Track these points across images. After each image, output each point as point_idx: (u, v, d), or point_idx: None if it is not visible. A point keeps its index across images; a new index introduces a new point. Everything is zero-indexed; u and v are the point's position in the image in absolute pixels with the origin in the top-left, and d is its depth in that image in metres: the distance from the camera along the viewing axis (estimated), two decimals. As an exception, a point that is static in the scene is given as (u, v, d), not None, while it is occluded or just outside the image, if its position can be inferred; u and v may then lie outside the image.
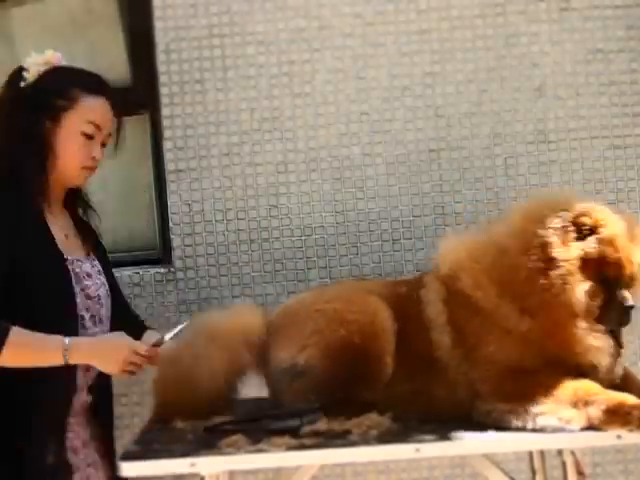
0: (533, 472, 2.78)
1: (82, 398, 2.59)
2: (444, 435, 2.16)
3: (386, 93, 3.24)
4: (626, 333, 2.36)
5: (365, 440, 2.18)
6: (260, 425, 2.27)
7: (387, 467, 3.20)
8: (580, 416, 2.12)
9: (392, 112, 3.24)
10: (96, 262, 2.70)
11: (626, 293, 2.27)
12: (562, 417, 2.13)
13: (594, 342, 2.25)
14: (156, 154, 3.32)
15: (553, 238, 2.27)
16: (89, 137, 2.60)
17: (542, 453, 2.72)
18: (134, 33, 3.34)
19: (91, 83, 2.64)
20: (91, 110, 2.61)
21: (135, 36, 3.34)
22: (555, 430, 2.13)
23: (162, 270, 3.22)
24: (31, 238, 2.50)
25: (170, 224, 3.23)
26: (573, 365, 2.24)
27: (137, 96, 3.32)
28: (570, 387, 2.18)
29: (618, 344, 2.31)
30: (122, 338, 2.51)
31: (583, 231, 2.28)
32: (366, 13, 3.24)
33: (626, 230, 2.32)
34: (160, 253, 3.33)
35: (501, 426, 2.19)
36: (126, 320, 2.77)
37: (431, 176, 3.24)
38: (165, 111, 3.22)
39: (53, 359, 2.40)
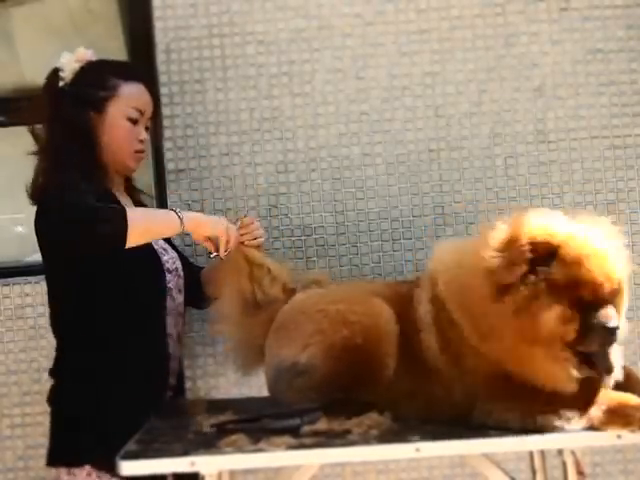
0: (533, 472, 2.78)
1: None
2: (444, 435, 2.16)
3: (386, 93, 3.24)
4: (627, 333, 2.35)
5: (365, 440, 2.17)
6: (261, 424, 2.26)
7: (387, 467, 3.20)
8: (581, 416, 2.12)
9: (392, 112, 3.24)
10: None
11: (606, 312, 2.12)
12: (562, 416, 2.13)
13: (555, 370, 2.13)
14: (156, 154, 3.32)
15: (496, 261, 2.14)
16: (134, 122, 2.75)
17: (542, 453, 2.72)
18: (134, 33, 3.34)
19: (126, 71, 2.81)
20: (132, 96, 2.76)
21: (135, 36, 3.34)
22: (555, 429, 2.13)
23: (162, 270, 3.22)
24: None
25: (170, 224, 3.23)
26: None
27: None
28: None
29: (606, 367, 2.16)
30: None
31: (532, 251, 2.13)
32: (366, 13, 3.24)
33: (601, 243, 2.16)
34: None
35: (502, 426, 2.19)
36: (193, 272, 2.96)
37: (431, 176, 3.24)
38: (165, 111, 3.22)
39: (171, 231, 2.62)
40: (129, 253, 2.52)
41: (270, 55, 3.24)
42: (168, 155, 3.23)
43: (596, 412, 2.11)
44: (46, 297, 2.81)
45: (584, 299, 2.12)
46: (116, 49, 3.37)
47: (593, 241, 2.15)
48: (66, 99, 2.71)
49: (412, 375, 2.37)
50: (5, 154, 3.43)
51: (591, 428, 2.13)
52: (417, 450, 2.12)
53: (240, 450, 2.14)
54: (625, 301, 2.22)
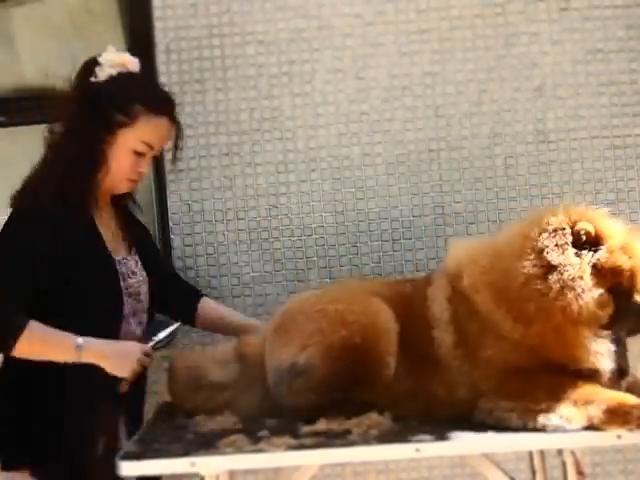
0: (533, 472, 2.78)
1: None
2: (444, 435, 2.16)
3: (386, 93, 3.24)
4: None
5: (365, 440, 2.17)
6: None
7: (387, 467, 3.21)
8: (580, 415, 2.12)
9: (392, 112, 3.24)
10: (137, 257, 2.74)
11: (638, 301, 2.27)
12: (563, 415, 2.13)
13: (596, 347, 2.23)
14: (156, 154, 3.31)
15: (547, 242, 2.26)
16: (140, 154, 2.63)
17: (542, 453, 2.72)
18: (134, 33, 3.34)
19: (156, 102, 2.64)
20: (147, 131, 2.61)
21: (135, 36, 3.33)
22: (556, 429, 2.13)
23: (162, 270, 3.22)
24: (81, 238, 2.55)
25: (170, 224, 3.23)
26: (574, 369, 2.23)
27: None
28: (571, 387, 2.18)
29: (623, 365, 2.29)
30: (132, 342, 2.58)
31: (581, 236, 2.26)
32: (366, 13, 3.24)
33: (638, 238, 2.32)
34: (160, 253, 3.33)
35: (503, 425, 2.19)
36: (177, 290, 2.89)
37: (431, 176, 3.24)
38: (165, 111, 3.22)
39: (67, 356, 2.47)
40: (87, 276, 2.50)
41: (270, 55, 3.24)
42: (168, 155, 3.22)
43: (595, 411, 2.12)
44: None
45: (622, 286, 2.26)
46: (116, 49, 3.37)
47: (634, 236, 2.31)
48: (87, 102, 2.59)
49: (414, 374, 2.37)
50: (5, 154, 3.43)
51: (591, 428, 2.13)
52: (417, 450, 2.12)
53: (240, 450, 2.14)
54: None
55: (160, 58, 3.23)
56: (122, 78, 2.63)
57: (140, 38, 3.31)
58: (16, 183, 3.43)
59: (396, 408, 2.31)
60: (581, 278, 2.22)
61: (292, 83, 3.24)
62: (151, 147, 2.64)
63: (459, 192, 3.23)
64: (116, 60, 2.64)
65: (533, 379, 2.22)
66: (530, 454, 2.78)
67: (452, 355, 2.35)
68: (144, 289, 2.72)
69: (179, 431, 2.36)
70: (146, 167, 2.68)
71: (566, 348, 2.24)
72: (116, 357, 2.51)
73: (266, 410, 2.42)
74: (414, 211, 3.23)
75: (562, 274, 2.22)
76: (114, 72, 2.62)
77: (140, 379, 2.66)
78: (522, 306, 2.26)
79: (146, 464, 2.11)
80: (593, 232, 2.26)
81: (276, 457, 2.13)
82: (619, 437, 2.10)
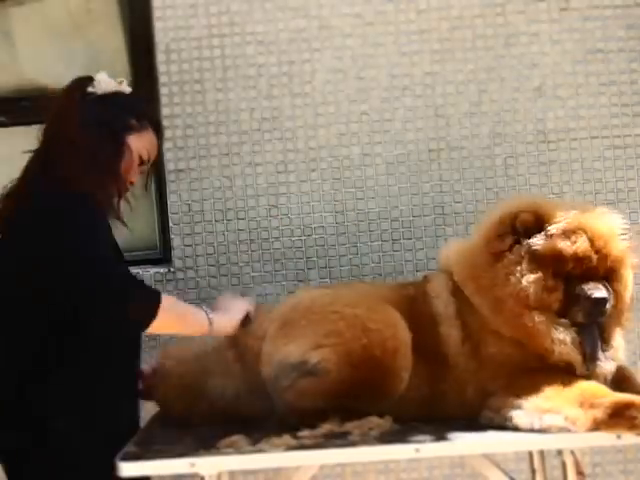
0: (533, 472, 2.78)
1: None
2: (444, 435, 2.16)
3: (386, 93, 3.24)
4: (626, 332, 2.36)
5: (365, 440, 2.18)
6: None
7: (387, 467, 3.20)
8: (586, 417, 2.11)
9: (392, 112, 3.24)
10: None
11: (590, 286, 2.27)
12: (568, 417, 2.12)
13: (556, 335, 2.26)
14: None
15: (491, 232, 2.37)
16: (140, 164, 2.64)
17: (542, 453, 2.72)
18: (134, 33, 3.34)
19: (156, 123, 2.72)
20: (149, 142, 2.65)
21: (135, 36, 3.34)
22: (560, 431, 2.13)
23: (162, 270, 3.22)
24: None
25: (170, 224, 3.23)
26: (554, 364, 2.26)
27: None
28: (577, 388, 2.19)
29: (590, 349, 2.29)
30: (243, 301, 2.65)
31: (519, 225, 2.33)
32: (366, 13, 3.24)
33: (591, 222, 2.33)
34: (160, 253, 3.33)
35: (510, 423, 2.19)
36: None
37: (431, 176, 3.24)
38: (165, 111, 3.22)
39: (199, 331, 2.50)
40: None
41: (270, 55, 3.24)
42: (168, 155, 3.23)
43: (601, 415, 2.10)
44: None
45: (570, 272, 2.29)
46: (116, 49, 3.37)
47: (581, 219, 2.33)
48: (99, 105, 2.58)
49: (423, 380, 2.34)
50: (5, 154, 3.43)
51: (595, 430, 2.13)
52: (417, 450, 2.13)
53: (240, 451, 2.14)
54: (625, 279, 2.36)
55: (160, 58, 3.23)
56: (127, 95, 2.66)
57: (140, 38, 3.31)
58: (16, 183, 3.43)
59: (403, 414, 2.30)
60: (518, 263, 2.29)
61: (292, 83, 3.24)
62: (147, 159, 2.65)
63: (459, 192, 3.23)
64: (112, 84, 2.64)
65: (540, 378, 2.22)
66: (530, 454, 2.78)
67: (459, 351, 2.35)
68: None
69: (179, 431, 2.36)
70: (136, 179, 2.67)
71: (531, 337, 2.28)
72: (234, 320, 2.56)
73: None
74: (414, 211, 3.23)
75: (503, 262, 2.31)
76: (113, 88, 2.63)
77: None
78: (489, 296, 2.34)
79: (146, 464, 2.12)
80: (532, 220, 2.32)
81: (276, 457, 2.13)
82: (619, 437, 2.10)
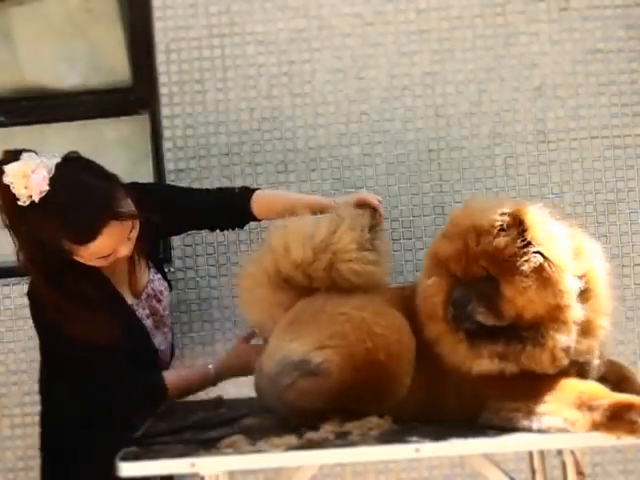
0: (533, 472, 2.77)
1: None
2: (444, 435, 2.16)
3: (386, 93, 3.24)
4: (626, 332, 2.35)
5: (365, 440, 2.17)
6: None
7: (387, 467, 3.21)
8: (585, 419, 2.10)
9: (392, 112, 3.24)
10: (151, 265, 2.81)
11: (459, 288, 2.20)
12: (567, 419, 2.11)
13: (446, 346, 2.24)
14: (156, 154, 3.32)
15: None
16: (103, 257, 2.55)
17: (542, 453, 2.72)
18: (134, 33, 3.34)
19: (79, 233, 2.47)
20: (90, 252, 2.51)
21: (135, 36, 3.33)
22: (559, 431, 2.12)
23: (162, 270, 3.22)
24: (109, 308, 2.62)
25: (170, 224, 3.23)
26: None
27: (137, 96, 3.32)
28: (575, 390, 2.16)
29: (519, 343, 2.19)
30: (245, 346, 2.76)
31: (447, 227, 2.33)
32: (366, 13, 3.24)
33: (486, 220, 2.21)
34: (160, 253, 3.33)
35: (510, 425, 2.18)
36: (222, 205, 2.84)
37: (431, 176, 3.24)
38: (165, 111, 3.22)
39: (208, 386, 2.75)
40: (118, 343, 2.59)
41: (270, 55, 3.24)
42: (168, 155, 3.23)
43: (600, 418, 2.08)
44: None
45: (453, 273, 2.23)
46: (116, 49, 3.37)
47: (467, 218, 2.25)
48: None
49: (423, 385, 2.32)
50: (5, 154, 3.43)
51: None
52: (417, 450, 2.12)
53: (240, 451, 2.14)
54: (518, 284, 2.17)
55: (160, 58, 3.23)
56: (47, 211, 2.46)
57: (140, 38, 3.31)
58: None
59: (402, 416, 2.29)
60: (426, 269, 2.31)
61: (292, 83, 3.24)
62: (109, 255, 2.54)
63: (459, 192, 3.23)
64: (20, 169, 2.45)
65: (538, 380, 2.20)
66: (530, 454, 2.78)
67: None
68: (165, 302, 2.82)
69: (179, 431, 2.35)
70: (125, 250, 2.58)
71: (437, 347, 2.26)
72: (242, 369, 2.70)
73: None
74: (414, 211, 3.23)
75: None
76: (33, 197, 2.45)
77: None
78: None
79: (146, 465, 2.12)
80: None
81: (276, 457, 2.13)
82: (619, 437, 2.09)
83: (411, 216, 3.23)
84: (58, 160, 2.50)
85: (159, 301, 2.79)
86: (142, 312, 2.74)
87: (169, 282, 2.90)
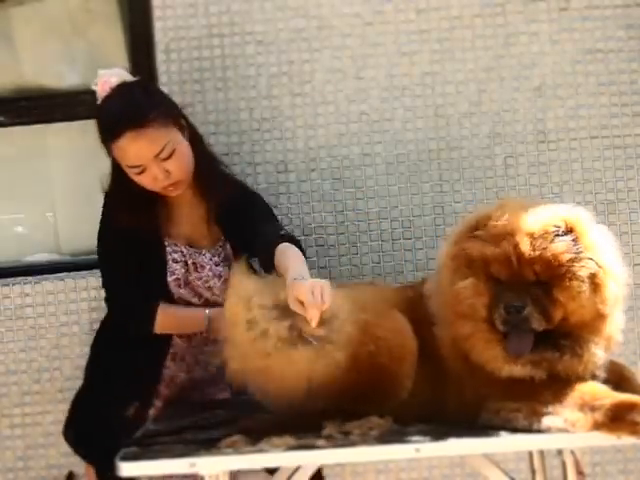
0: (533, 472, 2.77)
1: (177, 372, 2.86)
2: (444, 435, 2.16)
3: (385, 93, 3.24)
4: (626, 332, 2.35)
5: (365, 440, 2.17)
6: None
7: (387, 467, 3.21)
8: (586, 419, 2.09)
9: (391, 112, 3.24)
10: (220, 251, 2.86)
11: (510, 292, 2.17)
12: (568, 419, 2.11)
13: (484, 347, 2.21)
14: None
15: (451, 237, 2.33)
16: (137, 172, 2.72)
17: (542, 453, 2.71)
18: (134, 33, 3.34)
19: (106, 130, 2.73)
20: (119, 156, 2.73)
21: (135, 36, 3.33)
22: (560, 431, 2.12)
23: (162, 270, 3.22)
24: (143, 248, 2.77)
25: (170, 224, 3.23)
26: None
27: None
28: (577, 390, 2.15)
29: (513, 352, 2.19)
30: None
31: (465, 231, 2.27)
32: (365, 13, 3.24)
33: (525, 224, 2.20)
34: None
35: (509, 425, 2.17)
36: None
37: (431, 176, 3.24)
38: (165, 111, 3.22)
39: (199, 327, 2.78)
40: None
41: (270, 55, 3.24)
42: (168, 155, 3.22)
43: (602, 418, 2.08)
44: (46, 297, 2.96)
45: (496, 276, 2.20)
46: (116, 49, 3.37)
47: (514, 221, 2.21)
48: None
49: (424, 386, 2.32)
50: (5, 154, 3.43)
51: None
52: (417, 450, 2.12)
53: (240, 451, 2.14)
54: (572, 290, 2.17)
55: (160, 58, 3.23)
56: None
57: (140, 38, 3.31)
58: (16, 183, 3.45)
59: (403, 417, 2.29)
60: (457, 270, 2.25)
61: (291, 83, 3.24)
62: (136, 166, 2.71)
63: (459, 192, 3.24)
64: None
65: (538, 381, 2.20)
66: (530, 454, 2.78)
67: (452, 354, 2.33)
68: (215, 283, 2.84)
69: (179, 431, 2.35)
70: (159, 173, 2.70)
71: (466, 347, 2.24)
72: None
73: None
74: (414, 211, 3.24)
75: (446, 268, 2.28)
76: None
77: None
78: (435, 304, 2.35)
79: (146, 464, 2.12)
80: (474, 225, 2.26)
81: (276, 457, 2.13)
82: (619, 437, 2.09)
83: (411, 216, 3.24)
84: (132, 79, 2.83)
85: (197, 271, 2.83)
86: (174, 255, 2.81)
87: None
